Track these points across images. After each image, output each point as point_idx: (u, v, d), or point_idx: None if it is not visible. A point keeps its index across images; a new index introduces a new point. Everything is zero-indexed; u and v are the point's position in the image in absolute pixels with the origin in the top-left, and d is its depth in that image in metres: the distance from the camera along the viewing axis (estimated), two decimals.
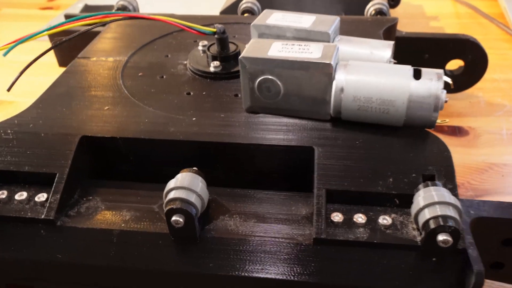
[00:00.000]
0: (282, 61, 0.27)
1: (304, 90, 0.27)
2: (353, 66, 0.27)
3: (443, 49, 0.44)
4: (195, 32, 0.30)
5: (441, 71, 0.26)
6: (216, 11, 0.57)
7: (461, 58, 0.44)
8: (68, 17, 0.53)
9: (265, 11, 0.32)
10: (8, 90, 0.25)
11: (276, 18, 0.31)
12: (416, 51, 0.44)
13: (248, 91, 0.29)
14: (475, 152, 0.41)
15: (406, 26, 0.63)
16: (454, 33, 0.44)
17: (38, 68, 0.58)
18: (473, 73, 0.45)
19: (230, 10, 0.55)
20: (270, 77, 0.27)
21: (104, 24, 0.30)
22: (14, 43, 0.23)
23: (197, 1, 0.72)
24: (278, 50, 0.28)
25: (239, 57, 0.28)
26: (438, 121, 0.27)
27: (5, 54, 0.23)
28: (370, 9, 0.46)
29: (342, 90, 0.27)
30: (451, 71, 0.45)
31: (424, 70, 0.26)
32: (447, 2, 0.70)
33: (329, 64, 0.26)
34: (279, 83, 0.28)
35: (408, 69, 0.27)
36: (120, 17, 0.25)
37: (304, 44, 0.28)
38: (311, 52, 0.27)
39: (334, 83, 0.27)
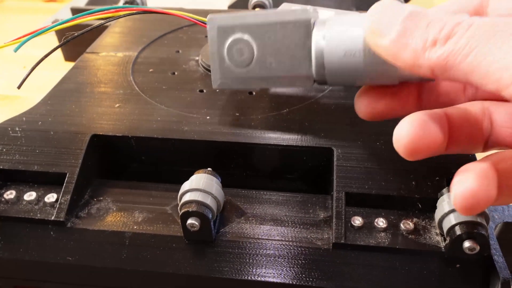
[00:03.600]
0: (254, 16, 0.24)
1: (280, 50, 0.24)
2: (336, 18, 0.23)
3: None
4: (206, 26, 0.29)
5: None
6: (223, 5, 0.56)
7: None
8: (74, 10, 0.52)
9: (284, 4, 0.31)
10: (19, 87, 0.24)
11: None
12: None
13: (218, 60, 0.25)
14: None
15: None
16: None
17: (43, 63, 0.57)
18: None
19: (239, 4, 0.54)
20: (241, 36, 0.24)
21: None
22: (25, 38, 0.22)
23: None
24: (252, 13, 0.25)
25: (207, 16, 0.25)
26: None
27: (15, 50, 0.22)
28: None
29: (323, 38, 0.23)
30: None
31: None
32: None
33: (306, 11, 0.23)
34: (252, 43, 0.24)
35: None
36: (134, 11, 0.24)
37: (279, 11, 0.25)
38: (284, 13, 0.24)
39: (314, 33, 0.23)
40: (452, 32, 0.18)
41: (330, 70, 0.23)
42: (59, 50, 0.55)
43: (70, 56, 0.52)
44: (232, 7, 0.55)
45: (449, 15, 0.18)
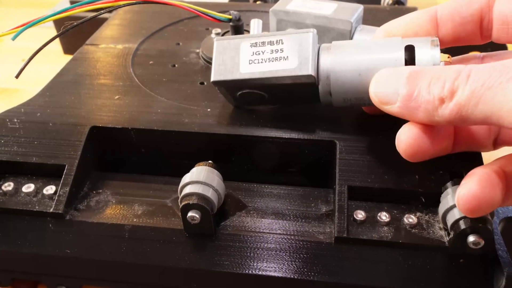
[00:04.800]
0: (256, 79, 0.24)
1: (289, 96, 0.26)
2: (336, 64, 0.23)
3: None
4: (210, 18, 0.29)
5: (435, 37, 0.23)
6: None
7: (480, 50, 0.43)
8: (73, 3, 0.52)
9: None
10: (17, 76, 0.23)
11: (296, 4, 0.29)
12: None
13: (232, 101, 0.27)
14: None
15: None
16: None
17: (42, 55, 0.56)
18: None
19: None
20: (250, 90, 0.25)
21: (111, 10, 0.28)
22: (23, 27, 0.22)
23: None
24: (250, 59, 0.25)
25: (211, 80, 0.25)
26: None
27: (13, 38, 0.22)
28: None
29: (330, 93, 0.24)
30: None
31: (416, 45, 0.22)
32: None
33: (310, 76, 0.23)
34: (262, 93, 0.26)
35: (399, 47, 0.23)
36: (134, 2, 0.24)
37: (275, 42, 0.24)
38: (286, 56, 0.24)
39: (320, 87, 0.24)
40: (454, 86, 0.18)
41: (337, 106, 0.25)
42: (58, 43, 0.54)
43: (69, 49, 0.52)
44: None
45: (446, 68, 0.19)
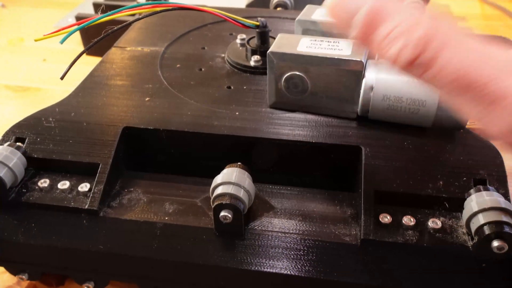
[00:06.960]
0: (311, 57, 0.27)
1: (332, 87, 0.27)
2: (383, 64, 0.27)
3: None
4: (238, 24, 0.30)
5: None
6: (241, 2, 0.56)
7: None
8: (96, 5, 0.53)
9: (308, 6, 0.32)
10: (62, 78, 0.24)
11: (321, 13, 0.30)
12: None
13: (274, 87, 0.28)
14: (509, 157, 0.40)
15: None
16: (485, 34, 0.44)
17: (63, 56, 0.58)
18: None
19: (257, 3, 0.54)
20: (298, 73, 0.27)
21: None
22: (72, 29, 0.23)
23: None
24: (307, 46, 0.27)
25: (268, 51, 0.27)
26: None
27: (62, 42, 0.23)
28: None
29: (371, 88, 0.26)
30: None
31: None
32: (474, 2, 0.69)
33: (360, 62, 0.26)
34: (307, 79, 0.27)
35: None
36: (170, 8, 0.25)
37: (333, 41, 0.28)
38: (341, 49, 0.27)
39: (364, 81, 0.26)
40: None
41: (373, 114, 0.27)
42: (80, 44, 0.55)
43: (91, 50, 0.52)
44: (250, 5, 0.56)
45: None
